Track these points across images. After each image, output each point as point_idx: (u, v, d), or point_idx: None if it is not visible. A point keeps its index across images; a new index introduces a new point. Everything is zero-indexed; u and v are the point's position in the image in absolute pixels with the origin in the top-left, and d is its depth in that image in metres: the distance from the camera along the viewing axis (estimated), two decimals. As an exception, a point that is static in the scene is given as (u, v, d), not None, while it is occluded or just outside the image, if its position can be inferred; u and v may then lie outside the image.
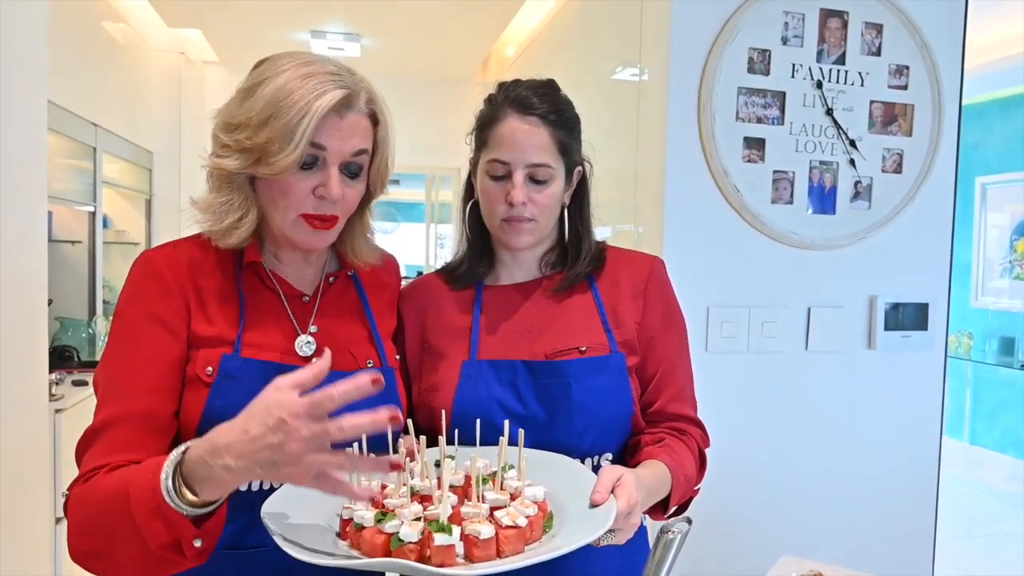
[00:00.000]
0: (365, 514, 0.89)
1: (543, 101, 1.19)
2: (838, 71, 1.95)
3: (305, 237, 1.07)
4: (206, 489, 0.85)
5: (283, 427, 0.79)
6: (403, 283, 1.33)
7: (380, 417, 0.80)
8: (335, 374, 1.10)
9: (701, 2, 1.87)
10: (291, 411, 0.79)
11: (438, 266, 1.36)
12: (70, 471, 1.00)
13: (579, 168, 1.26)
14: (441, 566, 0.83)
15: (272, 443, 0.79)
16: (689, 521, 0.99)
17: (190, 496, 0.85)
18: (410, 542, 0.84)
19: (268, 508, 0.95)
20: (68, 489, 0.97)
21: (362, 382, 0.81)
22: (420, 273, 1.37)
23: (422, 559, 0.84)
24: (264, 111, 1.01)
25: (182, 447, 0.87)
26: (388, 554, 0.85)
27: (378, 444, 1.00)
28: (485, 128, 1.22)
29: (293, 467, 0.80)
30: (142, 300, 1.05)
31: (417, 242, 7.89)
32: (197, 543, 0.86)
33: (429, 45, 4.98)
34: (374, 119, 1.09)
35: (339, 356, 1.13)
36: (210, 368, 1.03)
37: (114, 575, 0.94)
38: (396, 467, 0.84)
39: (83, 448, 0.99)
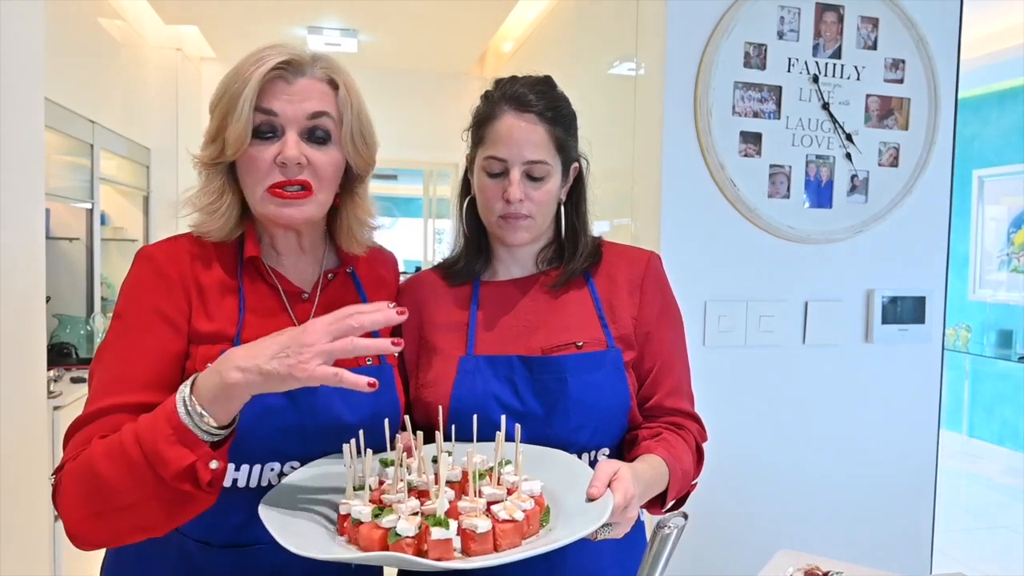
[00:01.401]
0: (362, 509, 0.89)
1: (540, 98, 1.19)
2: (834, 65, 1.95)
3: (275, 211, 1.07)
4: (214, 405, 0.88)
5: (297, 332, 0.87)
6: (401, 279, 1.33)
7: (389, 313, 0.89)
8: None
9: (697, -4, 1.87)
10: (306, 324, 0.88)
11: (436, 261, 1.36)
12: (68, 468, 0.98)
13: (576, 164, 1.27)
14: (438, 560, 0.83)
15: (281, 340, 0.87)
16: (685, 516, 0.99)
17: (203, 413, 0.88)
18: (407, 536, 0.85)
19: (266, 503, 0.95)
20: (55, 473, 0.95)
21: (388, 313, 0.89)
22: (418, 269, 1.36)
23: (419, 553, 0.85)
24: (216, 94, 1.05)
25: (192, 377, 0.91)
26: (385, 549, 0.85)
27: (376, 440, 1.01)
28: (482, 125, 1.22)
29: (301, 357, 0.84)
30: (144, 294, 1.05)
31: (415, 237, 7.89)
32: (213, 464, 0.88)
33: (426, 40, 4.97)
34: (333, 85, 1.09)
35: None
36: (210, 364, 1.03)
37: (121, 531, 0.92)
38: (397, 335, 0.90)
39: (72, 431, 0.98)
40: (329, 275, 1.18)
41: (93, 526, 0.92)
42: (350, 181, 1.15)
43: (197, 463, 0.87)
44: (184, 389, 0.89)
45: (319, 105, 1.06)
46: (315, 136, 1.07)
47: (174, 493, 0.88)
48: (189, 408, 0.88)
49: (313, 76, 1.07)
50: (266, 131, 1.04)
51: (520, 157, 1.17)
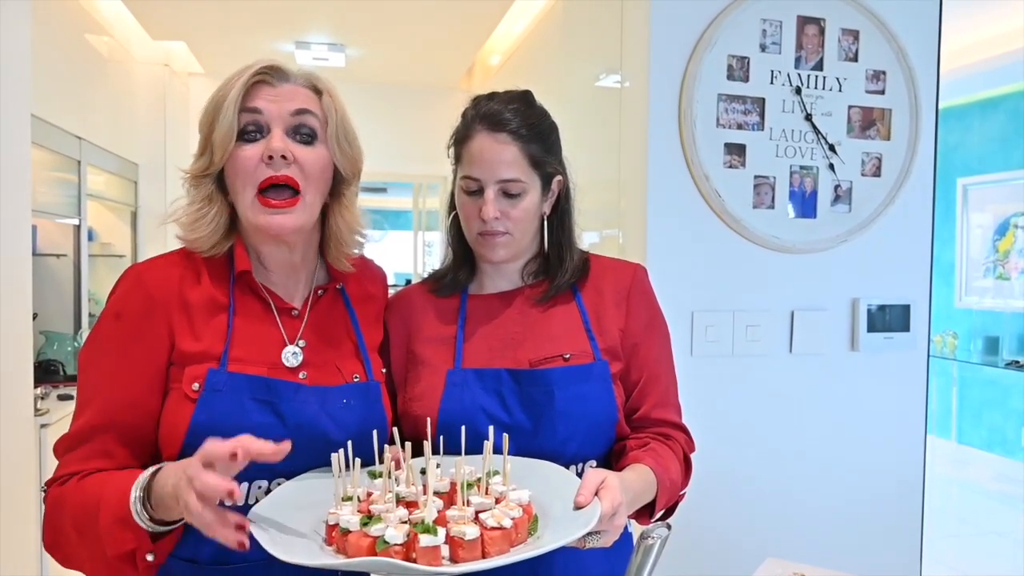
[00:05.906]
0: (351, 518, 0.89)
1: (514, 116, 1.20)
2: (816, 77, 1.97)
3: (265, 220, 1.06)
4: (160, 509, 0.92)
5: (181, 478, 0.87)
6: (390, 291, 1.34)
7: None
8: (321, 389, 1.11)
9: (680, 10, 1.89)
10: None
11: (426, 273, 1.37)
12: (56, 486, 1.04)
13: (559, 178, 1.27)
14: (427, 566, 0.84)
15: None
16: (668, 527, 1.00)
17: (148, 508, 0.93)
18: (395, 544, 0.85)
19: (255, 514, 0.95)
20: (46, 484, 1.03)
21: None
22: (408, 281, 1.37)
23: (408, 561, 0.85)
24: (204, 109, 1.08)
25: (155, 467, 0.94)
26: (374, 556, 0.85)
27: (364, 454, 1.01)
28: (459, 144, 1.24)
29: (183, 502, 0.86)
30: (127, 317, 1.06)
31: (405, 250, 7.89)
32: (149, 557, 0.94)
33: (414, 54, 4.99)
34: (316, 91, 1.12)
35: (326, 371, 1.14)
36: (196, 384, 1.04)
37: (73, 566, 1.02)
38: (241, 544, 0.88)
39: (63, 448, 1.04)
40: (319, 291, 1.19)
41: (60, 556, 1.02)
42: (337, 185, 1.15)
43: (137, 551, 0.93)
44: (143, 479, 0.93)
45: (304, 103, 1.09)
46: (301, 133, 1.08)
47: (112, 566, 0.95)
48: (137, 500, 0.92)
49: (297, 83, 1.10)
50: (251, 130, 1.06)
51: (493, 176, 1.18)
